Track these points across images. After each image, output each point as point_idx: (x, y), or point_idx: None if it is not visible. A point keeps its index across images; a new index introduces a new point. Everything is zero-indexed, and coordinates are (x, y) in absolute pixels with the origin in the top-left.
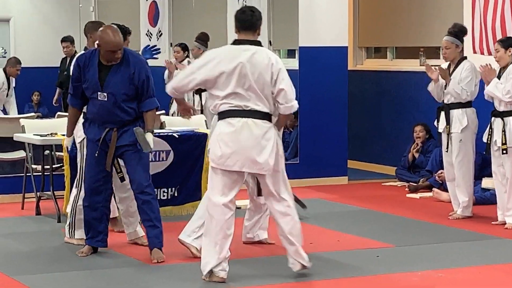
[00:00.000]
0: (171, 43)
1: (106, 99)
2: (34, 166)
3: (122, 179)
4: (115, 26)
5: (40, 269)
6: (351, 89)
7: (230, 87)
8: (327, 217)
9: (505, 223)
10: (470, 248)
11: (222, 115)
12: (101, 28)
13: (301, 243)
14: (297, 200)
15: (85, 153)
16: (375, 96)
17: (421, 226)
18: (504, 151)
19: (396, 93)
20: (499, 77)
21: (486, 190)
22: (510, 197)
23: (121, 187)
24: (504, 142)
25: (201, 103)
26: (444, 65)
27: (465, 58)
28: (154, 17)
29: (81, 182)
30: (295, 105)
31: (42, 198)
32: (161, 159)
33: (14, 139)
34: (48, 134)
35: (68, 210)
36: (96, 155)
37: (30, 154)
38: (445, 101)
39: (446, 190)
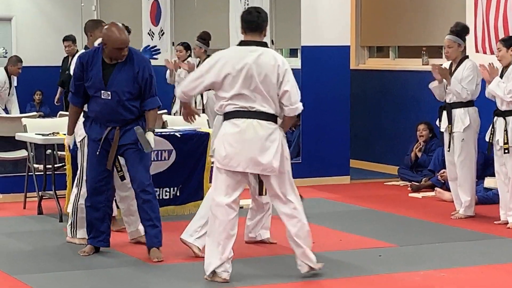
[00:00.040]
0: (173, 42)
1: (109, 98)
2: (36, 166)
3: (122, 178)
4: (120, 24)
5: (42, 269)
6: (354, 88)
7: (236, 88)
8: (329, 217)
9: (507, 223)
10: (473, 247)
11: (228, 115)
12: (106, 26)
13: (309, 245)
14: None
15: (85, 152)
16: (377, 96)
17: (423, 225)
18: (506, 151)
19: (399, 92)
20: (501, 76)
21: (488, 190)
22: None
23: (121, 186)
24: (506, 141)
25: (203, 103)
26: (446, 64)
27: (467, 57)
28: (156, 16)
29: (82, 181)
30: (299, 107)
31: (44, 197)
32: (163, 159)
33: (16, 138)
34: (50, 134)
35: (69, 209)
36: (97, 153)
37: (32, 153)
38: (447, 101)
39: (448, 189)
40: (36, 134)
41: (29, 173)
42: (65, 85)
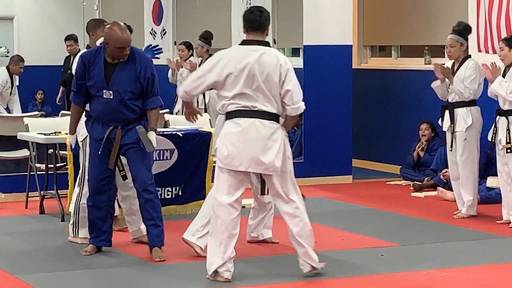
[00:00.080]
0: (175, 42)
1: (111, 97)
2: (38, 165)
3: (124, 177)
4: (122, 23)
5: (44, 268)
6: (356, 87)
7: (238, 88)
8: (331, 216)
9: (509, 222)
10: (475, 247)
11: (230, 115)
12: (108, 26)
13: (311, 245)
14: None
15: (87, 151)
16: (379, 95)
17: (425, 225)
18: (508, 150)
19: (401, 91)
20: (503, 75)
21: (491, 189)
22: None
23: (123, 185)
24: (508, 141)
25: (205, 102)
26: (449, 63)
27: (469, 56)
28: (158, 16)
29: (84, 180)
30: (301, 106)
31: (46, 197)
32: (165, 158)
33: (18, 137)
34: (52, 133)
35: (71, 209)
36: (99, 152)
37: (34, 153)
38: (450, 100)
39: (450, 189)
40: (38, 133)
41: (31, 173)
42: (67, 85)
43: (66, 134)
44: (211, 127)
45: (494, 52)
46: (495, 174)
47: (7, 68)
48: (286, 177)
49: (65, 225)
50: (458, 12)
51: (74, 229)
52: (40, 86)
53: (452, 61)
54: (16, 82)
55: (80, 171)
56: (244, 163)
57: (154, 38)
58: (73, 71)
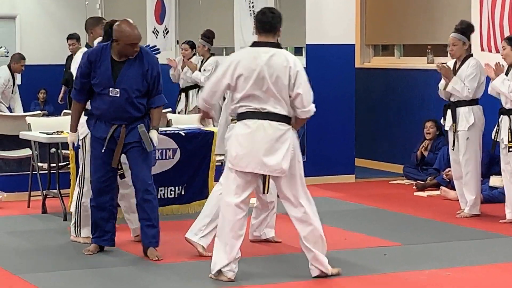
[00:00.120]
0: (177, 41)
1: (118, 95)
2: (40, 164)
3: (122, 176)
4: (131, 20)
5: (46, 268)
6: (358, 87)
7: (247, 89)
8: (334, 216)
9: None
10: (478, 246)
11: (240, 116)
12: (117, 23)
13: (321, 249)
14: None
15: (87, 150)
16: (382, 94)
17: (428, 224)
18: (510, 149)
19: (404, 91)
20: (506, 74)
21: (494, 188)
22: None
23: (122, 183)
24: (510, 139)
25: None
26: (451, 62)
27: (471, 55)
28: (160, 15)
29: (83, 179)
30: (312, 109)
31: (48, 196)
32: (167, 157)
33: (20, 137)
34: (54, 132)
35: (73, 209)
36: (102, 151)
37: (36, 152)
38: (452, 99)
39: (453, 188)
40: (40, 132)
41: (33, 172)
42: (69, 84)
43: (68, 133)
44: (214, 126)
45: (497, 51)
46: (498, 173)
47: (9, 66)
48: (295, 181)
49: (67, 224)
50: (461, 11)
51: (76, 229)
52: (42, 85)
53: (454, 60)
54: (18, 81)
55: (80, 170)
56: (251, 164)
57: (156, 37)
58: (72, 70)
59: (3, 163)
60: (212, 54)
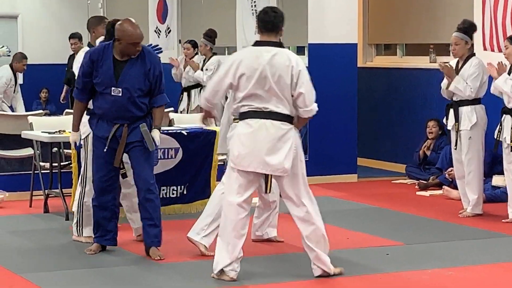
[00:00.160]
0: (179, 40)
1: (120, 94)
2: (42, 164)
3: (124, 175)
4: (133, 20)
5: (48, 267)
6: (361, 86)
7: (249, 88)
8: (337, 215)
9: None
10: (480, 246)
11: (243, 116)
12: (119, 22)
13: (323, 249)
14: None
15: (89, 149)
16: (384, 93)
17: (431, 224)
18: None
19: (406, 90)
20: (509, 73)
21: (496, 188)
22: None
23: (124, 183)
24: None
25: None
26: (453, 62)
27: (474, 54)
28: (162, 14)
29: (85, 178)
30: (314, 108)
31: (50, 195)
32: (169, 157)
33: (22, 136)
34: (56, 132)
35: (74, 208)
36: (104, 150)
37: (38, 151)
38: (454, 99)
39: (456, 187)
40: (42, 132)
41: (35, 171)
42: (71, 83)
43: (70, 132)
44: (216, 125)
45: (500, 50)
46: (501, 173)
47: (10, 65)
48: (298, 180)
49: (69, 224)
50: (463, 10)
51: (78, 228)
52: (44, 85)
53: (457, 59)
54: (20, 80)
55: (82, 169)
56: (253, 163)
57: (158, 37)
58: (74, 69)
59: (5, 162)
60: (214, 53)
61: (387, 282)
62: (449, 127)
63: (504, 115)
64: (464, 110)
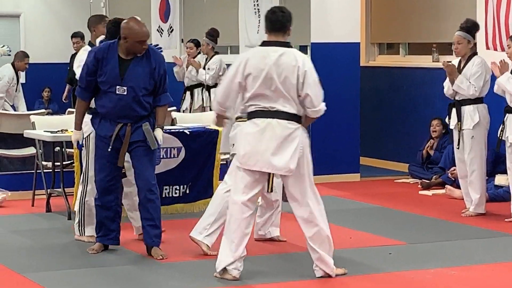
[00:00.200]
0: (182, 39)
1: (125, 93)
2: (44, 163)
3: (124, 175)
4: (139, 18)
5: (50, 266)
6: (364, 85)
7: (256, 88)
8: (339, 214)
9: None
10: (483, 245)
11: (250, 115)
12: (124, 21)
13: (327, 251)
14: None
15: (91, 149)
16: (387, 93)
17: (433, 223)
18: None
19: (409, 89)
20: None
21: (499, 187)
22: None
23: (125, 182)
24: None
25: (210, 100)
26: (455, 61)
27: (476, 53)
28: (165, 13)
29: (87, 178)
30: (322, 108)
31: (52, 195)
32: (172, 156)
33: (25, 135)
34: (58, 131)
35: (76, 208)
36: (108, 150)
37: (40, 150)
38: (457, 98)
39: (458, 187)
40: (44, 131)
41: (38, 171)
42: (74, 82)
43: (72, 131)
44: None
45: (503, 49)
46: (504, 172)
47: (12, 64)
48: (303, 180)
49: (71, 223)
50: (466, 9)
51: (80, 228)
52: (47, 84)
53: (459, 58)
54: (22, 79)
55: (84, 168)
56: (259, 163)
57: (161, 36)
58: (75, 68)
59: (8, 161)
60: (216, 53)
61: (389, 282)
62: (451, 126)
63: (507, 114)
64: (466, 109)
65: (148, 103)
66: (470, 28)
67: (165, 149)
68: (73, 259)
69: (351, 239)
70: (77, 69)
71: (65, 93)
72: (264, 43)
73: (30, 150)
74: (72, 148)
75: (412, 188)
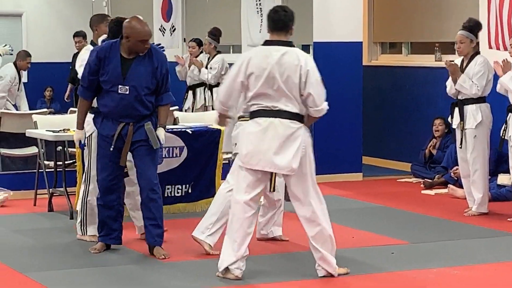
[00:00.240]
0: (184, 38)
1: (127, 92)
2: (46, 162)
3: (126, 174)
4: (141, 17)
5: (52, 266)
6: (366, 84)
7: (258, 88)
8: (342, 214)
9: None
10: (486, 245)
11: (252, 115)
12: (127, 20)
13: (330, 250)
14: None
15: (93, 148)
16: (390, 92)
17: (436, 222)
18: None
19: (411, 88)
20: None
21: (502, 187)
22: None
23: (127, 181)
24: None
25: (212, 99)
26: (458, 60)
27: (478, 53)
28: (167, 12)
29: (89, 177)
30: (325, 108)
31: (54, 194)
32: (174, 155)
33: (27, 135)
34: (60, 130)
35: (78, 207)
36: (111, 149)
37: (42, 150)
38: (459, 97)
39: (461, 186)
40: (46, 130)
41: (40, 170)
42: (76, 82)
43: (75, 131)
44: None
45: (505, 48)
46: (506, 171)
47: (14, 64)
48: (306, 179)
49: (73, 222)
50: (469, 8)
51: (82, 227)
52: (49, 83)
53: (462, 57)
54: (24, 79)
55: (86, 168)
56: (261, 162)
57: (163, 35)
58: (77, 67)
59: (10, 161)
60: (219, 52)
61: (392, 281)
62: (454, 126)
63: (509, 113)
64: (469, 108)
65: (150, 102)
66: (473, 27)
67: (167, 149)
68: (75, 258)
69: (353, 238)
70: (79, 68)
71: (67, 93)
72: (267, 43)
73: (32, 150)
74: (74, 147)
75: (415, 187)
